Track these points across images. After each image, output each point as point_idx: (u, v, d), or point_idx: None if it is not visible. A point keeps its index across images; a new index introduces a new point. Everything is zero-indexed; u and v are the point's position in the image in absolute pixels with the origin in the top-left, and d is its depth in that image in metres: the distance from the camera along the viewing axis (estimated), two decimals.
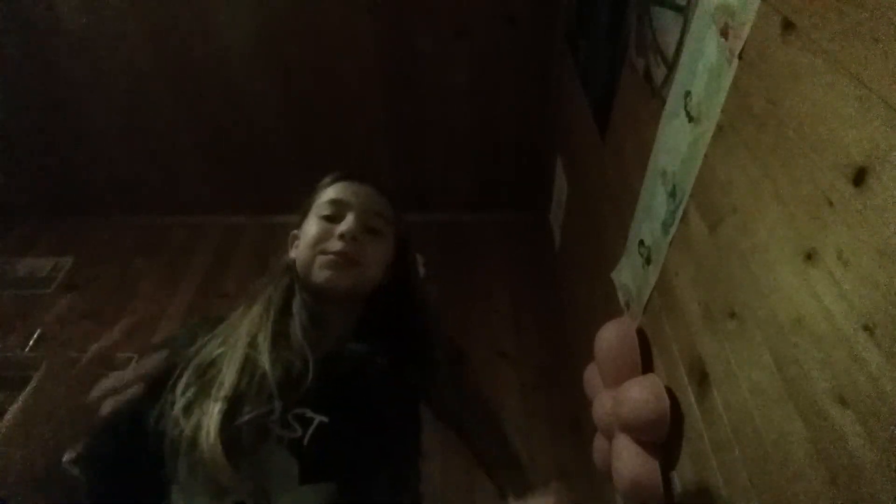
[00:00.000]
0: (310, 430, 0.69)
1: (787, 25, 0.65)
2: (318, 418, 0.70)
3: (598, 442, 1.19)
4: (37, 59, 2.27)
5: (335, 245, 0.76)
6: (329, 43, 2.19)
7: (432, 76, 2.29)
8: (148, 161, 2.62)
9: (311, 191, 0.87)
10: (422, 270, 2.54)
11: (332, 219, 0.80)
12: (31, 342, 2.22)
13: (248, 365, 0.70)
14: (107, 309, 2.43)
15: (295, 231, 0.86)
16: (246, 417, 0.66)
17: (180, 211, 2.82)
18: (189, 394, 0.68)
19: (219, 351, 0.73)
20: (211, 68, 2.28)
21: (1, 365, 2.08)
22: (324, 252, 0.77)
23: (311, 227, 0.80)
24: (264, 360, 0.71)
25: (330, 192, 0.83)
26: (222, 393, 0.67)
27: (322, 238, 0.78)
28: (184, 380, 0.70)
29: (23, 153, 2.59)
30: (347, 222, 0.78)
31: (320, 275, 0.76)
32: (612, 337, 1.15)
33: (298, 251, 0.81)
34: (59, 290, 2.52)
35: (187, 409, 0.67)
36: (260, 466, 0.66)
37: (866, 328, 0.51)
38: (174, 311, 2.42)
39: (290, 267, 0.83)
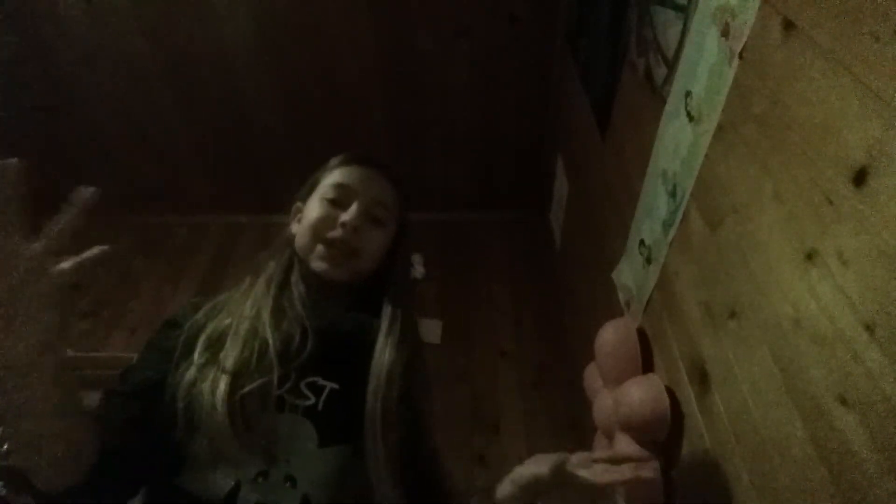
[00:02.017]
0: (322, 397, 0.71)
1: (788, 25, 0.65)
2: (330, 385, 0.72)
3: (599, 441, 1.19)
4: (37, 59, 2.27)
5: (336, 232, 0.77)
6: (329, 42, 2.19)
7: (433, 75, 2.29)
8: (148, 160, 2.62)
9: (320, 167, 0.86)
10: (422, 270, 2.55)
11: (337, 203, 0.80)
12: None
13: (251, 338, 0.71)
14: (107, 309, 2.43)
15: (298, 203, 0.86)
16: (247, 389, 0.67)
17: (180, 210, 2.82)
18: (197, 366, 0.69)
19: (226, 322, 0.74)
20: (211, 68, 2.27)
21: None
22: (324, 240, 0.78)
23: (315, 208, 0.80)
24: (267, 333, 0.71)
25: (338, 175, 0.83)
26: (228, 366, 0.68)
27: (324, 222, 0.78)
28: (194, 354, 0.70)
29: (22, 152, 2.58)
30: (351, 212, 0.78)
31: (318, 264, 0.78)
32: (612, 337, 1.15)
33: (299, 229, 0.82)
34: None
35: (195, 383, 0.68)
36: (278, 435, 0.68)
37: (867, 328, 0.51)
38: (174, 310, 2.41)
39: (290, 241, 0.83)
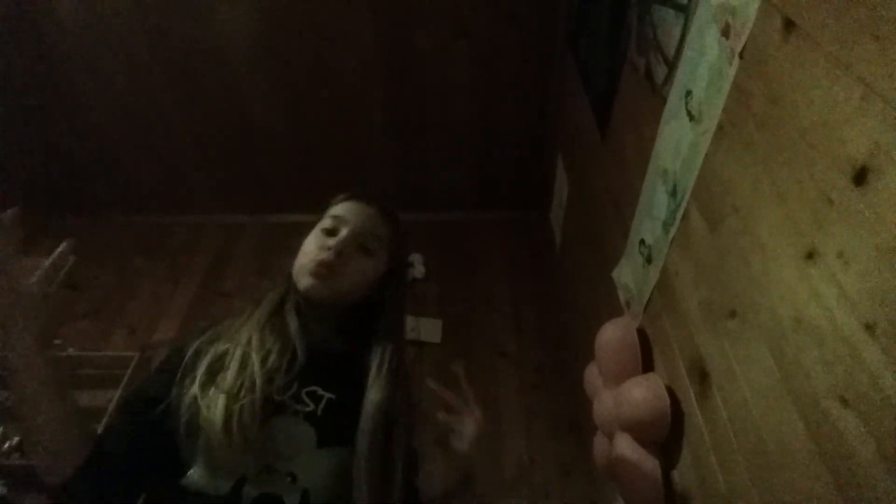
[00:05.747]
0: (321, 405, 0.80)
1: (788, 25, 0.65)
2: (327, 395, 0.82)
3: (599, 441, 1.19)
4: (37, 59, 2.26)
5: (321, 255, 0.85)
6: (329, 42, 2.19)
7: (433, 75, 2.29)
8: (148, 160, 2.62)
9: (325, 206, 0.95)
10: (422, 270, 2.55)
11: (330, 232, 0.88)
12: None
13: (246, 361, 0.80)
14: (107, 309, 2.43)
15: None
16: (238, 403, 0.75)
17: (180, 210, 2.82)
18: (199, 385, 0.77)
19: (225, 347, 0.83)
20: (211, 67, 2.28)
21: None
22: (311, 261, 0.85)
23: (311, 237, 0.90)
24: (254, 356, 0.80)
25: (336, 209, 0.92)
26: (224, 387, 0.76)
27: (315, 247, 0.87)
28: (197, 373, 0.79)
29: (23, 152, 2.59)
30: (339, 237, 0.86)
31: (303, 281, 0.85)
32: (612, 336, 1.15)
33: (297, 258, 0.90)
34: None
35: (195, 400, 0.76)
36: (281, 436, 0.76)
37: (867, 327, 0.51)
38: (174, 311, 2.42)
39: (290, 274, 0.90)
